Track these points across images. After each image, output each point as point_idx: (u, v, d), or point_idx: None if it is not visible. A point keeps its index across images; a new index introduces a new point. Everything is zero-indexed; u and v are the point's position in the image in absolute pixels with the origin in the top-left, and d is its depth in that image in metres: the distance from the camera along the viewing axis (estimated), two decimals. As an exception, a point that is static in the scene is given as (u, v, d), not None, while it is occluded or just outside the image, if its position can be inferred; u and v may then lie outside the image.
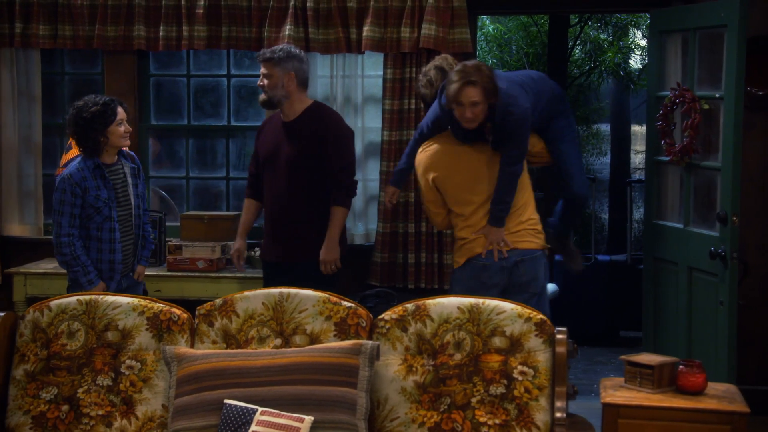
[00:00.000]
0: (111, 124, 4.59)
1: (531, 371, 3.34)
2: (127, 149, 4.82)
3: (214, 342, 3.54)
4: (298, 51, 4.90)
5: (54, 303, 3.63)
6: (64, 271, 4.71)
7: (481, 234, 4.51)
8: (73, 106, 4.68)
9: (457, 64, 4.56)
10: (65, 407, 3.50)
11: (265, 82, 4.84)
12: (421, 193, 4.74)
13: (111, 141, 4.61)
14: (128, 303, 3.60)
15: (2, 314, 3.59)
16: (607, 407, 3.40)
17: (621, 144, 12.15)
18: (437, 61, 4.76)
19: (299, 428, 3.16)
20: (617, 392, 3.49)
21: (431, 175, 4.58)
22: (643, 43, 11.78)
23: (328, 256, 4.85)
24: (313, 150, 4.81)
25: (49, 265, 5.64)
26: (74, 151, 5.24)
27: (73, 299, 3.63)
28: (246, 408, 3.23)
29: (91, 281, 4.58)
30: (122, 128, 4.62)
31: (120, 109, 4.64)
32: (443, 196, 4.61)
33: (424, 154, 4.64)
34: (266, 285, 4.87)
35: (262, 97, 4.90)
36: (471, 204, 4.55)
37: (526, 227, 4.53)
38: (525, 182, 4.56)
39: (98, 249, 4.64)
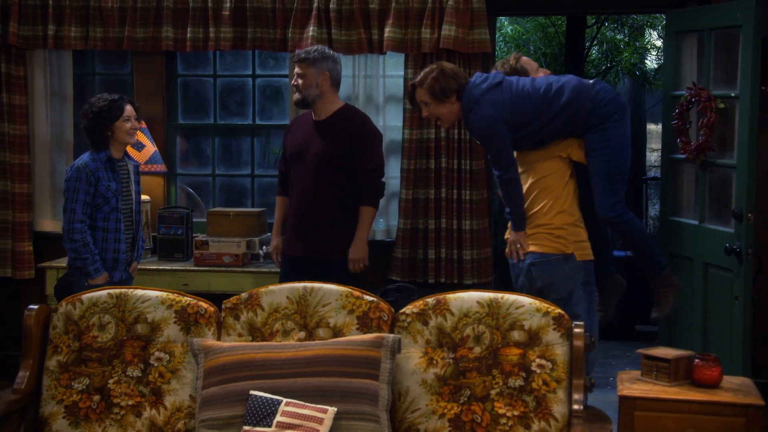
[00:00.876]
0: (117, 119, 4.71)
1: (549, 364, 3.33)
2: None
3: (240, 335, 3.55)
4: (332, 52, 4.96)
5: (85, 296, 3.65)
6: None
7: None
8: (86, 102, 4.83)
9: (523, 62, 4.69)
10: (96, 397, 3.52)
11: (300, 81, 4.87)
12: None
13: (117, 135, 4.74)
14: (157, 296, 3.62)
15: (36, 307, 3.61)
16: (624, 400, 3.39)
17: (637, 142, 12.07)
18: (510, 60, 4.77)
19: (323, 419, 3.16)
20: (634, 385, 3.48)
21: None
22: (659, 43, 11.72)
23: (358, 255, 4.88)
24: (342, 149, 4.83)
25: (80, 260, 5.68)
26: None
27: (104, 293, 3.65)
28: (271, 399, 3.24)
29: (98, 270, 4.67)
30: (128, 124, 4.75)
31: (128, 107, 4.77)
32: None
33: None
34: (284, 278, 4.87)
35: (297, 96, 4.92)
36: None
37: (541, 231, 4.47)
38: (549, 186, 4.47)
39: (104, 239, 4.73)
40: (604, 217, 4.54)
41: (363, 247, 4.89)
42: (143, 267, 5.34)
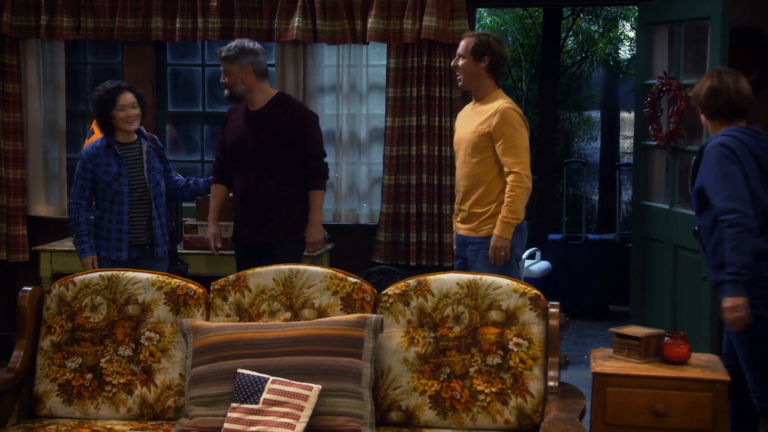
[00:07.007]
0: (112, 108, 4.68)
1: (525, 343, 3.34)
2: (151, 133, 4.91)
3: (227, 315, 3.54)
4: (252, 45, 4.76)
5: (78, 278, 3.63)
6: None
7: None
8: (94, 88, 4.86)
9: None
10: (89, 376, 3.51)
11: (226, 79, 4.74)
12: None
13: (117, 123, 4.72)
14: (147, 278, 3.60)
15: (30, 289, 3.59)
16: (597, 376, 3.40)
17: (611, 130, 12.12)
18: None
19: (308, 396, 3.16)
20: (606, 362, 3.49)
21: None
22: (632, 34, 11.74)
23: (315, 237, 4.82)
24: (281, 137, 4.71)
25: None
26: (96, 136, 5.25)
27: (95, 275, 3.63)
28: (258, 377, 3.23)
29: (83, 251, 4.71)
30: (122, 113, 4.67)
31: (124, 96, 4.68)
32: None
33: None
34: (240, 266, 4.73)
35: (226, 92, 4.79)
36: None
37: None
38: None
39: (109, 219, 4.74)
40: None
41: (319, 229, 4.83)
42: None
